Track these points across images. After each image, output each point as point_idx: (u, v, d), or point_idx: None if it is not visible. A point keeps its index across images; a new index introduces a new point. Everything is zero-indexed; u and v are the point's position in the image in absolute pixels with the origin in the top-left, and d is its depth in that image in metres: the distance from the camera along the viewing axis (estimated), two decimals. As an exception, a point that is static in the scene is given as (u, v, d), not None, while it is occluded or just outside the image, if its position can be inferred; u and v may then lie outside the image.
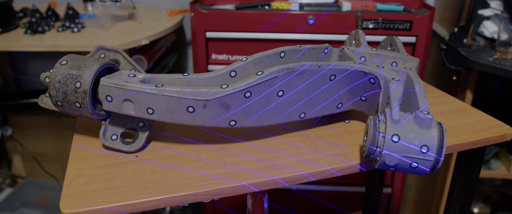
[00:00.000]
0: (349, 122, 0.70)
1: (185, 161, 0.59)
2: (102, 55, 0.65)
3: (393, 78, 0.59)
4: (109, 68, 0.60)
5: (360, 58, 0.68)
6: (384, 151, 0.50)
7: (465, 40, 1.27)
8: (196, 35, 1.20)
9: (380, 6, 1.18)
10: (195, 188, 0.53)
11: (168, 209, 1.57)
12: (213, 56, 1.24)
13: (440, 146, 0.49)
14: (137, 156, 0.60)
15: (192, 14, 1.21)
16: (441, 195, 1.40)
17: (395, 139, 0.50)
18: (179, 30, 1.73)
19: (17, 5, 1.47)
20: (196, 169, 0.57)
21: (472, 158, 0.70)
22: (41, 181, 1.83)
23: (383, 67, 0.63)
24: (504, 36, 1.19)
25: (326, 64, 0.61)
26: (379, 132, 0.51)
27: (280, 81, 0.58)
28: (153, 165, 0.58)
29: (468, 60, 1.18)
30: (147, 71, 1.35)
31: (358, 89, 0.65)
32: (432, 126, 0.50)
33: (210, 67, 1.25)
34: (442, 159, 0.49)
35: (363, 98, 0.65)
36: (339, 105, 0.66)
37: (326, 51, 0.70)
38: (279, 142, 0.64)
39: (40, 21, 1.30)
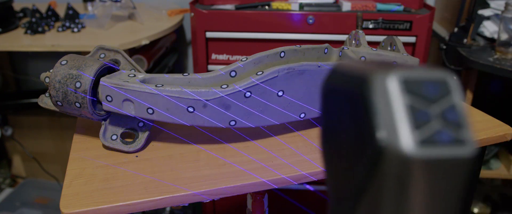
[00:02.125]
0: (349, 122, 0.70)
1: (185, 161, 0.59)
2: (102, 55, 0.65)
3: (393, 78, 0.59)
4: (109, 68, 0.60)
5: (360, 58, 0.68)
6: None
7: (465, 40, 1.27)
8: (196, 35, 1.20)
9: (380, 6, 1.18)
10: (195, 188, 0.53)
11: (168, 209, 1.57)
12: (213, 56, 1.24)
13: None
14: (137, 156, 0.60)
15: (192, 14, 1.21)
16: (441, 195, 1.40)
17: (395, 139, 0.49)
18: (179, 30, 1.73)
19: (17, 5, 1.47)
20: (196, 169, 0.57)
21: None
22: (41, 181, 1.83)
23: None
24: (504, 36, 1.19)
25: (326, 64, 0.61)
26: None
27: (280, 81, 0.58)
28: (153, 165, 0.58)
29: (468, 60, 1.18)
30: (147, 71, 1.35)
31: (358, 89, 0.65)
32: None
33: (210, 67, 1.25)
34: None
35: (363, 98, 0.65)
36: (339, 105, 0.66)
37: (326, 51, 0.70)
38: (279, 142, 0.64)
39: (40, 21, 1.30)
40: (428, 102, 0.18)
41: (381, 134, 0.17)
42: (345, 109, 0.20)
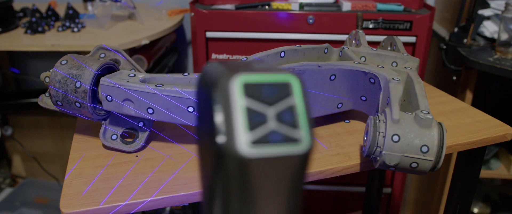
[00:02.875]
0: (349, 122, 0.70)
1: (185, 161, 0.59)
2: (102, 55, 0.65)
3: (393, 78, 0.59)
4: (109, 68, 0.60)
5: (360, 58, 0.68)
6: (384, 151, 0.50)
7: (465, 40, 1.27)
8: (196, 35, 1.20)
9: (380, 6, 1.18)
10: (195, 188, 0.53)
11: (168, 209, 1.57)
12: (213, 56, 1.24)
13: (440, 146, 0.49)
14: (137, 156, 0.60)
15: (192, 14, 1.21)
16: (441, 195, 1.40)
17: (395, 138, 0.50)
18: (179, 30, 1.73)
19: (17, 5, 1.47)
20: (196, 169, 0.57)
21: (472, 158, 0.70)
22: (41, 181, 1.83)
23: (383, 67, 0.63)
24: (504, 36, 1.20)
25: (326, 64, 0.61)
26: (379, 132, 0.51)
27: (280, 81, 0.58)
28: (153, 165, 0.58)
29: (468, 60, 1.18)
30: (147, 71, 1.35)
31: (358, 89, 0.65)
32: (432, 125, 0.50)
33: (210, 67, 1.25)
34: (442, 158, 0.49)
35: (363, 98, 0.65)
36: (339, 105, 0.66)
37: (326, 51, 0.70)
38: (279, 142, 0.64)
39: (40, 21, 1.30)
40: (266, 104, 0.19)
41: (221, 136, 0.19)
42: (205, 109, 0.21)
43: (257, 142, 0.18)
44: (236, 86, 0.19)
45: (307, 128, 0.19)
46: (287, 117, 0.19)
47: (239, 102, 0.19)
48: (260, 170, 0.19)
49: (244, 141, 0.18)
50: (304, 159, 0.19)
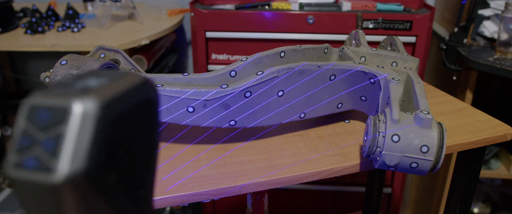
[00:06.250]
0: (349, 122, 0.70)
1: (185, 161, 0.59)
2: (102, 55, 0.65)
3: (393, 78, 0.59)
4: (109, 69, 0.60)
5: (360, 58, 0.68)
6: (384, 151, 0.50)
7: (465, 40, 1.27)
8: (196, 35, 1.20)
9: (380, 6, 1.18)
10: (195, 188, 0.53)
11: (168, 209, 1.57)
12: (213, 56, 1.24)
13: (440, 146, 0.49)
14: (137, 156, 0.60)
15: (192, 14, 1.21)
16: (441, 195, 1.40)
17: (395, 138, 0.50)
18: (179, 30, 1.73)
19: (17, 5, 1.47)
20: (196, 169, 0.57)
21: (472, 158, 0.70)
22: (41, 181, 1.83)
23: (383, 67, 0.63)
24: (504, 36, 1.20)
25: (326, 64, 0.61)
26: (379, 132, 0.51)
27: (280, 81, 0.58)
28: (153, 165, 0.58)
29: (468, 60, 1.18)
30: (147, 71, 1.35)
31: (358, 89, 0.65)
32: (432, 125, 0.50)
33: (210, 67, 1.25)
34: (442, 158, 0.49)
35: (363, 98, 0.65)
36: (339, 105, 0.66)
37: (326, 51, 0.70)
38: (279, 142, 0.64)
39: (40, 21, 1.30)
40: (38, 129, 0.19)
41: None
42: None
43: (17, 165, 0.19)
44: (24, 107, 0.19)
45: (72, 159, 0.19)
46: (50, 145, 0.19)
47: (19, 123, 0.19)
48: (24, 192, 0.20)
49: (10, 162, 0.19)
50: (57, 190, 0.19)
